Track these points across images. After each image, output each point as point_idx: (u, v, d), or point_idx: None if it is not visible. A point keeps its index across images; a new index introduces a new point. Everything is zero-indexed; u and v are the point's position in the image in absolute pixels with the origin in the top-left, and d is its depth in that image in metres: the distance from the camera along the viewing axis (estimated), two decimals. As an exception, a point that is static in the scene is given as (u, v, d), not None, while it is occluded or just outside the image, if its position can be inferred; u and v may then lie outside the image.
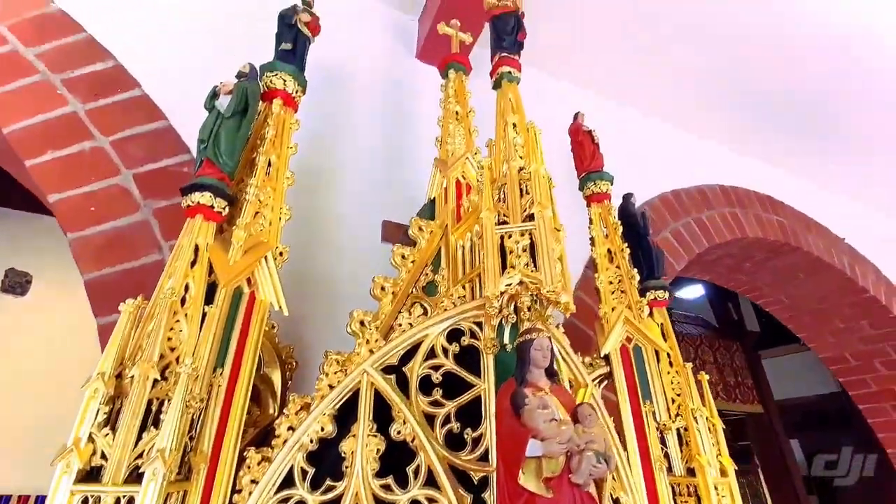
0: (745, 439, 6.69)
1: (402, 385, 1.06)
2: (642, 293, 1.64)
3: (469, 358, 1.11)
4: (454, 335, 1.13)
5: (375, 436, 0.98)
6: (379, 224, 1.75)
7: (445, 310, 1.13)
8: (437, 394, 1.05)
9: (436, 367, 1.08)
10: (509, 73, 1.40)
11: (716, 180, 3.15)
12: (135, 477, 0.77)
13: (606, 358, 1.53)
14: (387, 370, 1.08)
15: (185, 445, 0.87)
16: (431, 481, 0.95)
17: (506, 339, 1.11)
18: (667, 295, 1.66)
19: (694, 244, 2.66)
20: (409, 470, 0.96)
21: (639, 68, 2.71)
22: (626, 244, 1.67)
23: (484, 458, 0.97)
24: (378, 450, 0.97)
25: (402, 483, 0.95)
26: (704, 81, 2.83)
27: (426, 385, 1.07)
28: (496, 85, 1.42)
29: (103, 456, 0.77)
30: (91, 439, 0.77)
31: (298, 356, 1.29)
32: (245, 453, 0.96)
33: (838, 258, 3.46)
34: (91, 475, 0.76)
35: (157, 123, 1.53)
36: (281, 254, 1.19)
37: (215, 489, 0.89)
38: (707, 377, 1.51)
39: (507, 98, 1.35)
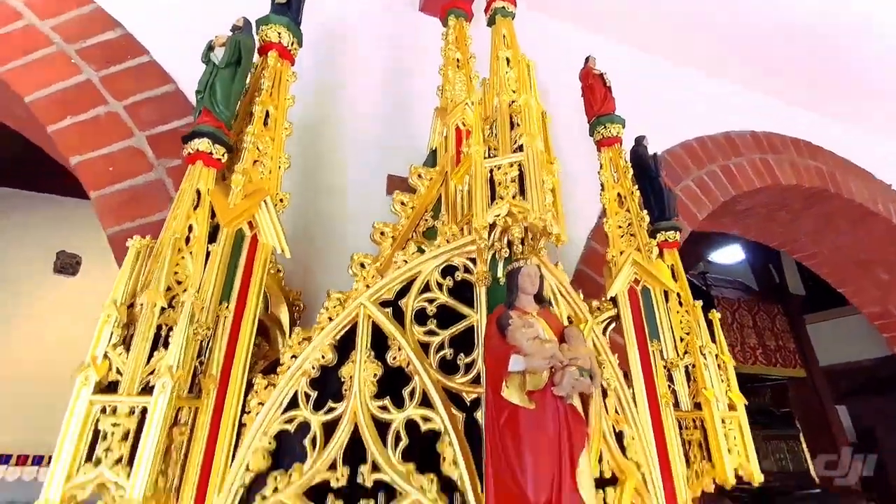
0: (786, 404, 6.49)
1: (399, 318, 1.10)
2: (653, 235, 1.60)
3: (463, 292, 1.13)
4: (448, 271, 1.15)
5: (373, 362, 1.03)
6: (384, 178, 1.77)
7: (439, 246, 1.14)
8: (432, 324, 1.08)
9: (430, 301, 1.11)
10: (503, 7, 1.36)
11: (747, 127, 2.97)
12: (148, 392, 0.84)
13: (614, 300, 1.52)
14: (383, 304, 1.11)
15: (195, 369, 0.95)
16: (426, 402, 0.99)
17: (499, 274, 1.12)
18: (678, 236, 1.61)
19: (719, 192, 2.53)
20: (405, 392, 1.01)
21: (658, 11, 2.56)
22: (636, 187, 1.63)
23: (476, 381, 1.00)
24: (375, 374, 1.02)
25: (399, 404, 1.00)
26: (731, 21, 2.63)
27: (421, 318, 1.10)
28: (490, 21, 1.39)
29: (118, 372, 0.85)
30: (106, 357, 0.84)
31: (305, 301, 1.35)
32: (253, 380, 1.03)
33: (884, 206, 3.22)
34: (108, 389, 0.84)
35: (166, 87, 1.59)
36: (281, 200, 1.23)
37: (226, 409, 0.96)
38: (718, 316, 1.47)
39: (500, 34, 1.32)
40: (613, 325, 1.52)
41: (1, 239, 4.39)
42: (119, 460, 0.77)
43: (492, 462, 0.83)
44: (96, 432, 0.80)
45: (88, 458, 0.78)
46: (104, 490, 0.77)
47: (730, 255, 6.59)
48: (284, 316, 1.23)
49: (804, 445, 6.06)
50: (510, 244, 1.10)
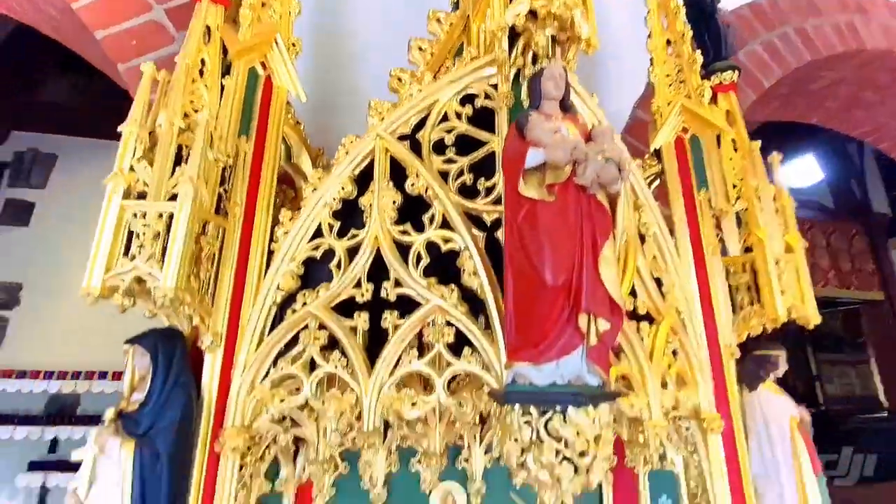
0: (859, 330, 6.04)
1: (417, 151, 1.05)
2: (707, 77, 1.42)
3: (483, 121, 1.06)
4: (468, 100, 1.08)
5: (391, 189, 1.01)
6: (406, 44, 1.67)
7: (457, 70, 1.07)
8: (451, 153, 1.03)
9: (448, 130, 1.05)
10: None
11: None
12: (173, 200, 0.87)
13: (658, 154, 1.39)
14: (401, 139, 1.07)
15: (219, 195, 0.97)
16: (446, 225, 0.96)
17: (522, 96, 1.03)
18: (735, 76, 1.41)
19: (791, 57, 2.20)
20: (425, 217, 0.98)
21: None
22: (688, 26, 1.43)
23: (497, 202, 0.96)
24: (394, 201, 1.00)
25: (419, 229, 0.98)
26: None
27: (440, 149, 1.05)
28: None
29: (145, 185, 0.88)
30: (132, 169, 0.87)
31: (326, 159, 1.34)
32: (279, 216, 1.05)
33: None
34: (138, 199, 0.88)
35: (179, -41, 1.54)
36: (294, 45, 1.18)
37: (254, 234, 0.99)
38: (780, 157, 1.31)
39: None
40: (657, 182, 1.41)
41: (78, 185, 4.73)
42: (152, 256, 0.82)
43: (511, 260, 0.79)
44: (130, 236, 0.84)
45: (125, 255, 0.83)
46: (141, 285, 0.82)
47: (804, 173, 5.87)
48: (307, 165, 1.23)
49: (875, 370, 5.69)
50: (535, 59, 1.00)
